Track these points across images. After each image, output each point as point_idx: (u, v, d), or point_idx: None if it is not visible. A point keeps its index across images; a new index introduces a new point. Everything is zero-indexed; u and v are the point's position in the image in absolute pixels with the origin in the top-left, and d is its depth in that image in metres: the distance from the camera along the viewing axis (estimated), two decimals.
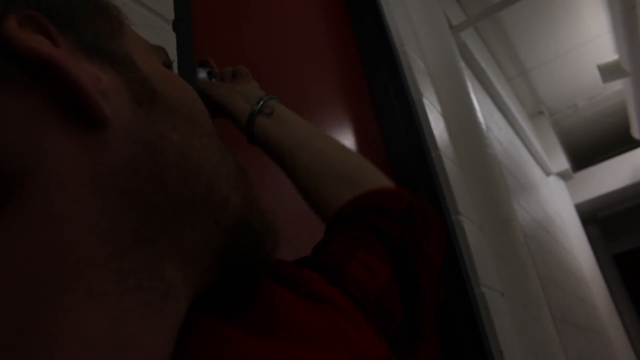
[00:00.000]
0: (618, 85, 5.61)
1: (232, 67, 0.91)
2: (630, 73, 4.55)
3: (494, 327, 1.63)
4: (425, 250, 0.66)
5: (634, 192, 6.71)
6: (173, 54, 0.86)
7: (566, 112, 6.45)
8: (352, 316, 0.45)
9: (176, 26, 0.89)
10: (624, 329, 5.29)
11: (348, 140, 1.64)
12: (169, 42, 0.87)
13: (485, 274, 1.75)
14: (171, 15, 0.89)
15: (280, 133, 0.76)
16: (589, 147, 7.48)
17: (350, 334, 0.42)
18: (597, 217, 7.84)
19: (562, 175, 5.88)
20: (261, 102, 0.79)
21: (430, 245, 0.68)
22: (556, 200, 5.55)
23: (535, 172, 4.95)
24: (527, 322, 1.84)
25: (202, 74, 0.91)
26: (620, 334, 5.00)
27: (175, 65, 0.84)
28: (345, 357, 0.39)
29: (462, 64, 2.76)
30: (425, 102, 2.01)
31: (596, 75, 4.83)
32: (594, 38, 5.16)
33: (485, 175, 2.08)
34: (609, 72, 4.57)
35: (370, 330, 0.45)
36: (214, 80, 0.91)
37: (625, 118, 6.02)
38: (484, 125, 2.33)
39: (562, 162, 5.81)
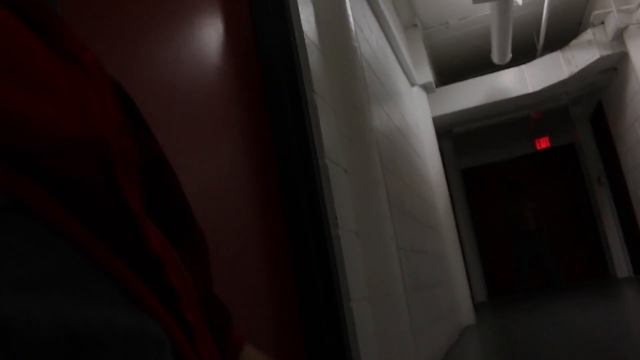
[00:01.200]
0: (487, 10, 5.95)
1: None
2: None
3: (332, 197, 1.81)
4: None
5: (486, 112, 7.31)
6: None
7: (438, 28, 6.75)
8: (101, 84, 0.41)
9: None
10: (457, 230, 5.91)
11: (215, 21, 1.66)
12: None
13: (331, 150, 1.91)
14: None
15: None
16: (453, 65, 7.95)
17: (90, 99, 0.38)
18: (452, 133, 8.47)
19: (426, 88, 6.23)
20: None
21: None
22: (417, 110, 5.92)
23: (401, 81, 5.21)
24: (365, 198, 2.06)
25: None
26: (452, 232, 5.60)
27: None
28: (70, 114, 0.36)
29: None
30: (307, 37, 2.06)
31: None
32: None
33: (345, 63, 2.20)
34: None
35: (115, 105, 0.41)
36: None
37: (489, 43, 6.45)
38: (352, 19, 2.44)
39: (427, 75, 6.14)
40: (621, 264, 8.50)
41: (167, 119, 1.21)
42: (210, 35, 1.54)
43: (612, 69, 6.52)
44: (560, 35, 7.23)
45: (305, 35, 1.95)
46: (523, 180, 9.46)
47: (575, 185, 9.55)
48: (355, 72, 2.24)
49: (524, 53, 7.50)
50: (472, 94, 6.97)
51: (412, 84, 6.02)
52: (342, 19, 2.35)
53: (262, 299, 1.45)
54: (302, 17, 2.02)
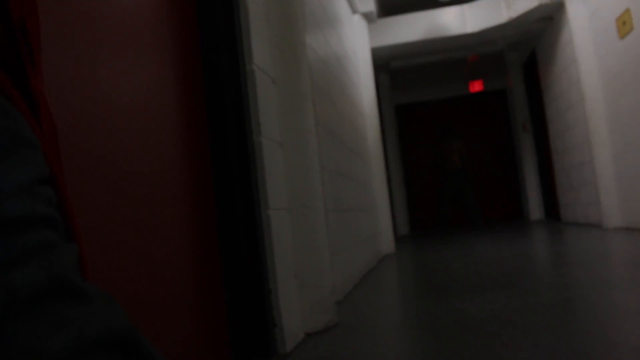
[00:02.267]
0: None
1: None
2: None
3: (257, 105, 1.77)
4: None
5: (425, 48, 7.32)
6: None
7: None
8: None
9: None
10: (385, 163, 6.01)
11: None
12: None
13: (260, 57, 1.86)
14: None
15: None
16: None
17: None
18: (390, 67, 8.46)
19: (367, 17, 6.15)
20: None
21: None
22: (356, 39, 5.85)
23: (343, 6, 5.11)
24: (292, 111, 2.03)
25: None
26: (381, 164, 5.70)
27: None
28: None
29: None
30: None
31: None
32: None
33: None
34: None
35: None
36: None
37: None
38: None
39: (369, 4, 6.05)
40: (535, 208, 8.96)
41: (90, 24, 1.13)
42: None
43: (548, 18, 6.63)
44: None
45: None
46: (454, 121, 9.69)
47: (503, 130, 9.85)
48: None
49: None
50: (412, 28, 6.94)
51: (354, 11, 5.92)
52: None
53: (179, 201, 1.43)
54: None
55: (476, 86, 9.91)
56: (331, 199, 2.83)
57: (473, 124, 9.92)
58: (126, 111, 1.23)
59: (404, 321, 2.18)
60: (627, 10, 4.66)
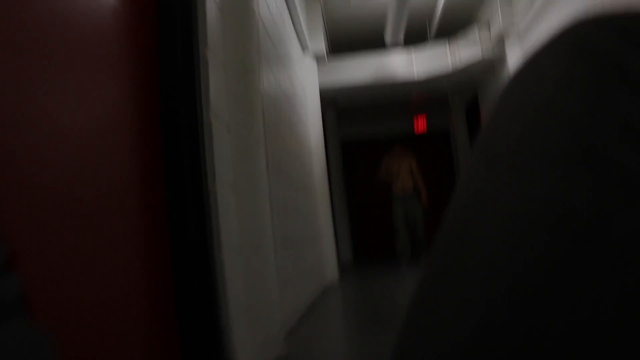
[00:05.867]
0: None
1: None
2: None
3: (213, 154, 1.89)
4: None
5: (372, 91, 7.58)
6: None
7: (339, 3, 6.87)
8: None
9: None
10: (330, 195, 6.19)
11: None
12: None
13: (218, 105, 1.98)
14: None
15: None
16: (348, 38, 8.13)
17: None
18: (337, 104, 8.69)
19: (317, 57, 6.36)
20: None
21: None
22: (306, 78, 6.05)
23: (294, 47, 5.29)
24: (245, 156, 2.15)
25: None
26: (325, 196, 5.87)
27: None
28: None
29: None
30: None
31: None
32: None
33: (242, 24, 2.26)
34: None
35: None
36: None
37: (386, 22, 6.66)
38: None
39: (320, 45, 6.27)
40: None
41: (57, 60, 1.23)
42: None
43: (490, 69, 6.99)
44: (453, 25, 7.61)
45: None
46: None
47: (447, 169, 10.20)
48: (251, 34, 2.31)
49: (417, 36, 7.83)
50: (360, 69, 7.17)
51: (305, 52, 6.13)
52: None
53: (138, 248, 1.52)
54: None
55: (420, 126, 10.25)
56: (279, 234, 2.95)
57: (418, 164, 10.22)
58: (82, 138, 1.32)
59: (344, 355, 2.30)
60: None
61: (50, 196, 1.13)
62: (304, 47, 5.98)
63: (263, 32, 3.25)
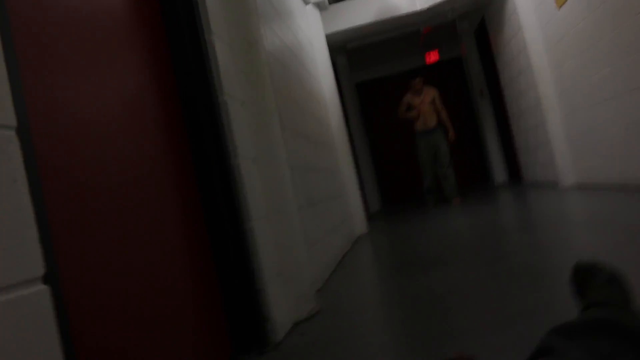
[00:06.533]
0: None
1: None
2: None
3: (232, 131, 2.02)
4: None
5: (378, 29, 7.56)
6: None
7: None
8: None
9: None
10: (351, 144, 6.27)
11: None
12: None
13: (229, 85, 2.10)
14: None
15: None
16: None
17: None
18: (346, 48, 8.68)
19: (319, 5, 6.35)
20: None
21: None
22: (310, 29, 6.06)
23: (295, 1, 5.31)
24: (260, 127, 2.28)
25: None
26: (346, 148, 5.97)
27: None
28: None
29: None
30: None
31: None
32: None
33: (239, 2, 2.34)
34: None
35: None
36: None
37: None
38: None
39: None
40: (499, 171, 9.36)
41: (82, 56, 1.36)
42: None
43: None
44: None
45: None
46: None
47: (462, 97, 10.19)
48: (250, 9, 2.39)
49: None
50: (364, 11, 7.16)
51: (306, 2, 6.12)
52: None
53: (174, 225, 1.68)
54: None
55: (432, 57, 10.20)
56: (303, 196, 3.10)
57: (440, 97, 10.20)
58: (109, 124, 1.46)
59: (375, 301, 2.47)
60: None
61: (86, 168, 1.28)
62: None
63: None
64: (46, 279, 0.94)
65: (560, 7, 5.13)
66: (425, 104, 7.21)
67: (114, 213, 1.34)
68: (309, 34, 5.84)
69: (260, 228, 2.09)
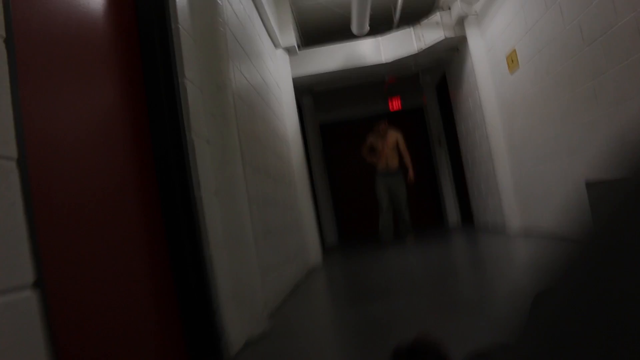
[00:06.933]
0: None
1: None
2: None
3: (197, 166, 2.24)
4: None
5: (344, 76, 7.92)
6: None
7: None
8: None
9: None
10: (311, 180, 6.52)
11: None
12: None
13: (197, 124, 2.33)
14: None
15: None
16: (318, 29, 8.44)
17: None
18: (313, 90, 9.02)
19: (289, 51, 6.69)
20: None
21: None
22: (279, 71, 6.37)
23: (266, 44, 5.61)
24: (222, 164, 2.51)
25: None
26: (305, 184, 6.24)
27: None
28: None
29: None
30: None
31: None
32: None
33: (212, 48, 2.60)
34: None
35: None
36: None
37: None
38: (221, 3, 2.82)
39: (290, 39, 6.59)
40: (452, 214, 9.76)
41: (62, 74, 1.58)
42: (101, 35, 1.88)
43: (454, 49, 7.37)
44: (416, 12, 7.96)
45: (180, 27, 2.32)
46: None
47: (422, 144, 10.61)
48: (221, 55, 2.65)
49: (382, 24, 8.16)
50: (332, 58, 7.51)
51: (276, 46, 6.44)
52: (212, 6, 2.73)
53: (139, 248, 1.88)
54: (178, 7, 2.39)
55: (395, 104, 10.63)
56: (260, 226, 3.32)
57: (404, 141, 10.61)
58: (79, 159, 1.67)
59: (323, 326, 2.69)
60: (514, 51, 5.40)
61: (67, 193, 1.49)
62: (275, 42, 6.29)
63: (233, 41, 3.58)
64: (36, 285, 1.14)
65: (512, 72, 5.56)
66: (388, 147, 7.40)
67: (87, 231, 1.55)
68: (276, 76, 6.14)
69: (219, 255, 2.30)
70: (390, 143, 7.42)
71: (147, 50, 2.19)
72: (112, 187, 1.74)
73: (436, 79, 9.40)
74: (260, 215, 3.43)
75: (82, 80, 1.68)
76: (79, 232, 1.50)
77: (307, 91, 9.17)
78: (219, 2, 2.80)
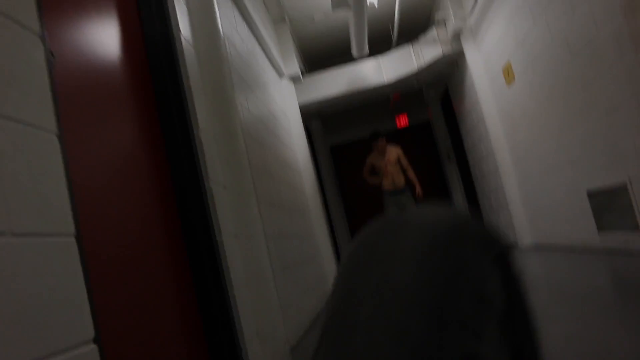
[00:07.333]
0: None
1: None
2: (351, 6, 5.54)
3: (216, 212, 2.38)
4: None
5: (349, 100, 8.07)
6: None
7: (305, 22, 7.37)
8: None
9: None
10: (325, 204, 6.62)
11: (110, 27, 2.14)
12: None
13: (213, 172, 2.48)
14: None
15: None
16: (320, 54, 8.65)
17: None
18: (321, 113, 9.17)
19: (293, 79, 6.85)
20: None
21: None
22: (285, 100, 6.53)
23: (270, 75, 5.76)
24: (239, 207, 2.65)
25: None
26: (320, 211, 6.35)
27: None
28: None
29: None
30: (183, 39, 2.57)
31: None
32: None
33: (221, 97, 2.75)
34: (336, 2, 5.52)
35: None
36: None
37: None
38: (225, 49, 2.97)
39: (294, 68, 6.75)
40: None
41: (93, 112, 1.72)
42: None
43: (454, 63, 7.49)
44: (413, 27, 8.13)
45: (192, 84, 2.48)
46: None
47: (432, 159, 10.68)
48: (230, 101, 2.80)
49: (382, 42, 8.34)
50: (335, 82, 7.64)
51: (281, 76, 6.59)
52: (218, 56, 2.89)
53: (173, 296, 2.01)
54: (188, 64, 2.55)
55: (402, 121, 10.74)
56: (278, 262, 3.44)
57: (405, 155, 10.69)
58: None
59: None
60: (509, 63, 5.52)
61: (112, 256, 1.63)
62: (279, 72, 6.45)
63: (239, 80, 3.73)
64: (94, 340, 1.28)
65: (509, 85, 5.67)
66: (390, 164, 7.27)
67: (128, 287, 1.69)
68: (283, 105, 6.29)
69: (241, 295, 2.43)
70: (392, 159, 7.31)
71: (164, 111, 2.34)
72: (147, 246, 1.89)
73: (440, 93, 9.51)
74: (277, 250, 3.56)
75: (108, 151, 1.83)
76: (123, 289, 1.63)
77: (316, 115, 9.32)
78: (224, 51, 2.96)
